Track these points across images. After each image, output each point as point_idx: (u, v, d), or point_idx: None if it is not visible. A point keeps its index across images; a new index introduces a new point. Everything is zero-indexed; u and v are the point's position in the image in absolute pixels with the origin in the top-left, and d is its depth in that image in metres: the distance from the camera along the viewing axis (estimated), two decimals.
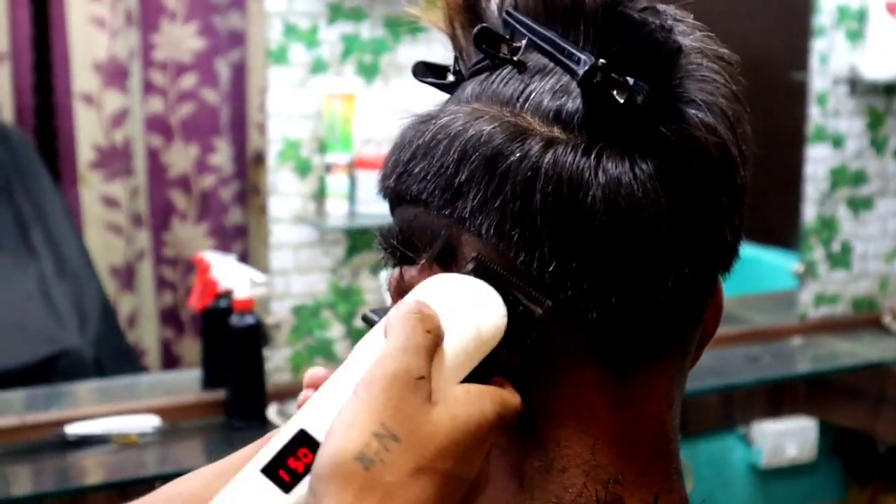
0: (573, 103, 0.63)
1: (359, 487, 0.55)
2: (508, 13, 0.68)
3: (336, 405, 0.58)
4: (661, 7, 0.64)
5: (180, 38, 3.36)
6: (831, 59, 2.95)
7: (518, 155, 0.62)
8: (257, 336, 2.36)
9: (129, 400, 2.43)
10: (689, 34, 0.65)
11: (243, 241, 3.53)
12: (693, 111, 0.62)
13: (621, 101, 0.60)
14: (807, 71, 2.94)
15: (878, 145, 3.06)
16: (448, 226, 0.65)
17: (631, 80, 0.60)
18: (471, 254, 0.64)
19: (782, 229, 3.19)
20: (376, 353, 0.59)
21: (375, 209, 2.52)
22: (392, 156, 0.69)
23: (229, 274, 2.42)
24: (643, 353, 0.65)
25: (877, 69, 3.05)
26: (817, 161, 2.97)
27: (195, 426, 2.35)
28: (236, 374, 2.35)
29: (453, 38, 0.73)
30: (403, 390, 0.57)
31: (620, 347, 0.64)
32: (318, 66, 2.42)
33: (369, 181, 2.51)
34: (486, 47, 0.67)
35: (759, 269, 3.33)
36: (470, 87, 0.68)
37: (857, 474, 3.25)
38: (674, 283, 0.63)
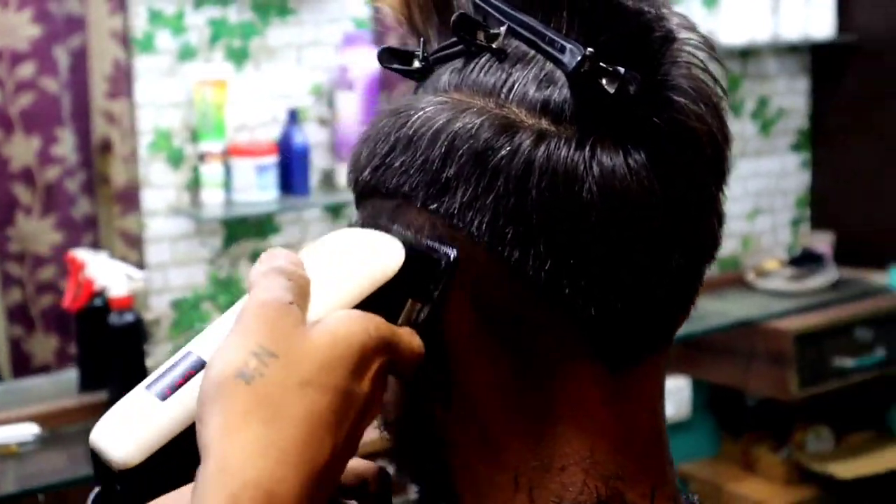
0: (560, 93, 0.61)
1: (243, 402, 0.55)
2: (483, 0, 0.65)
3: (220, 333, 0.60)
4: None
5: (15, 26, 3.22)
6: None
7: (509, 149, 0.60)
8: (137, 333, 2.30)
9: (3, 409, 2.34)
10: (674, 21, 0.64)
11: (93, 232, 3.43)
12: (682, 99, 0.61)
13: (611, 91, 0.59)
14: None
15: (735, 108, 3.15)
16: (432, 220, 0.63)
17: (621, 70, 0.59)
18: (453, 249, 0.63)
19: None
20: None
21: (252, 197, 2.48)
22: (364, 148, 0.66)
23: (104, 271, 2.34)
24: (638, 346, 0.64)
25: (732, 35, 3.13)
26: None
27: (77, 431, 2.28)
28: (117, 373, 2.29)
29: (409, 22, 0.70)
30: (274, 313, 0.58)
31: (617, 343, 0.63)
32: (186, 53, 2.35)
33: (245, 168, 2.46)
34: (463, 34, 0.64)
35: None
36: (446, 76, 0.65)
37: (730, 429, 3.36)
38: (669, 273, 0.62)
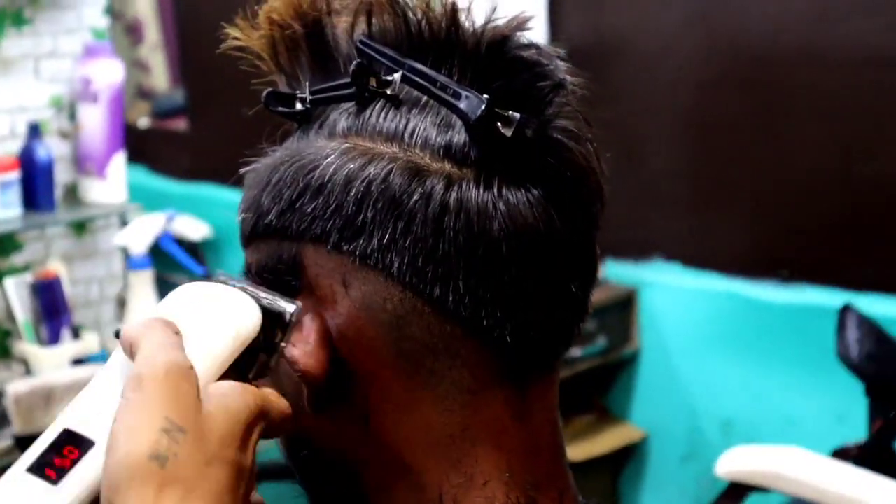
0: (459, 136, 0.66)
1: (158, 486, 0.56)
2: (365, 43, 0.69)
3: (101, 405, 0.59)
4: (542, 45, 0.69)
5: None
6: None
7: (422, 193, 0.65)
8: None
9: None
10: (562, 69, 0.70)
11: None
12: (569, 141, 0.68)
13: (508, 134, 0.65)
14: None
15: None
16: (340, 261, 0.66)
17: (517, 115, 0.65)
18: (361, 288, 0.66)
19: None
20: (130, 363, 0.61)
21: None
22: (266, 193, 0.69)
23: None
24: (543, 365, 0.70)
25: None
26: None
27: None
28: None
29: (275, 61, 0.72)
30: (178, 381, 0.59)
31: (526, 364, 0.69)
32: None
33: None
34: (360, 81, 0.68)
35: None
36: (343, 121, 0.69)
37: None
38: (570, 297, 0.69)
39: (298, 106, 0.71)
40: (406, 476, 0.68)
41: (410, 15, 0.68)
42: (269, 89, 0.72)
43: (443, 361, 0.66)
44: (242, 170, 0.73)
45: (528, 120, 0.65)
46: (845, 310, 2.41)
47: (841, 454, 2.31)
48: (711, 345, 3.06)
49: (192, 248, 3.33)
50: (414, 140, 0.66)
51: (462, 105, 0.65)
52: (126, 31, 4.03)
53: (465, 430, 0.67)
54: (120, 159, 2.66)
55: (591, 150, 0.69)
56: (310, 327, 0.67)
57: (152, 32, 4.15)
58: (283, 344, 0.66)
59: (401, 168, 0.65)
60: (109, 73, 2.61)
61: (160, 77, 4.19)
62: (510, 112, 0.65)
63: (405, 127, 0.67)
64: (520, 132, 0.65)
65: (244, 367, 0.65)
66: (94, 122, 2.61)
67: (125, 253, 2.64)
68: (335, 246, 0.66)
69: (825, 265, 2.87)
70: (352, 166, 0.66)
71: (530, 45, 0.67)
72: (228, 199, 3.96)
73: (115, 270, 2.72)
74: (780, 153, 2.93)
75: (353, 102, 0.69)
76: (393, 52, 0.68)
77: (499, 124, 0.65)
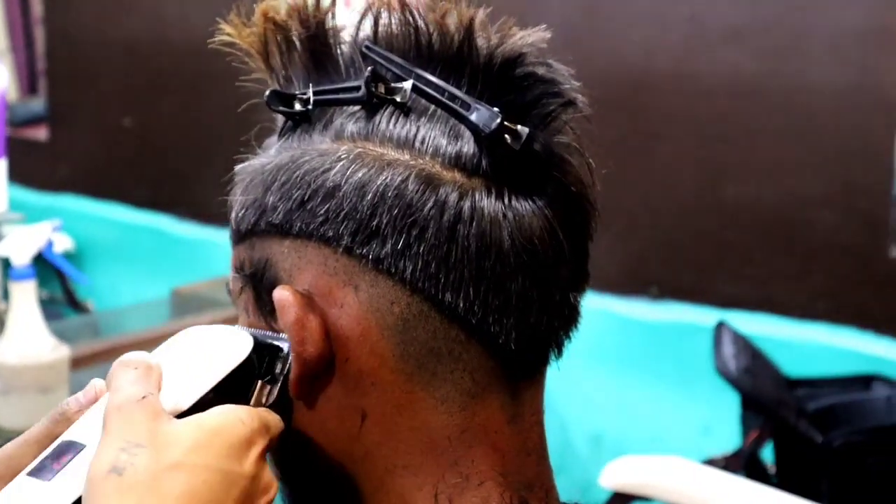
0: (468, 147, 0.68)
1: (116, 491, 0.60)
2: (371, 48, 0.70)
3: (96, 420, 0.66)
4: (553, 63, 0.70)
5: None
6: None
7: (436, 202, 0.66)
8: None
9: None
10: (574, 87, 0.71)
11: None
12: (572, 156, 0.71)
13: (516, 148, 0.67)
14: None
15: None
16: (349, 263, 0.68)
17: (525, 130, 0.67)
18: (369, 290, 0.68)
19: None
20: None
21: None
22: (271, 192, 0.70)
23: None
24: (536, 370, 0.73)
25: None
26: None
27: None
28: None
29: (266, 61, 0.73)
30: (132, 411, 0.63)
31: (522, 369, 0.71)
32: None
33: None
34: (377, 90, 0.69)
35: None
36: (351, 125, 0.69)
37: None
38: (569, 304, 0.72)
39: (298, 106, 0.72)
40: (401, 475, 0.69)
41: (421, 25, 0.70)
42: (273, 88, 0.73)
43: (445, 365, 0.68)
44: (237, 167, 0.74)
45: (535, 134, 0.67)
46: (720, 327, 2.51)
47: (710, 465, 2.40)
48: (582, 360, 3.14)
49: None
50: (424, 148, 0.68)
51: (473, 117, 0.67)
52: None
53: (464, 433, 0.69)
54: (1, 167, 2.58)
55: (591, 167, 0.72)
56: (312, 319, 0.68)
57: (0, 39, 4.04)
58: (280, 375, 0.69)
59: (415, 176, 0.67)
60: None
61: (9, 85, 4.07)
62: (519, 126, 0.67)
63: (415, 135, 0.68)
64: (528, 145, 0.67)
65: (245, 394, 0.68)
66: None
67: (5, 264, 2.55)
68: (347, 249, 0.67)
69: (694, 284, 2.98)
70: (365, 171, 0.67)
71: (543, 62, 0.69)
72: (91, 212, 3.89)
73: None
74: (651, 174, 3.03)
75: (359, 106, 0.70)
76: (399, 59, 0.69)
77: (507, 137, 0.67)
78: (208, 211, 3.52)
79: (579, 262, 0.72)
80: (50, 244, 2.73)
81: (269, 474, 0.65)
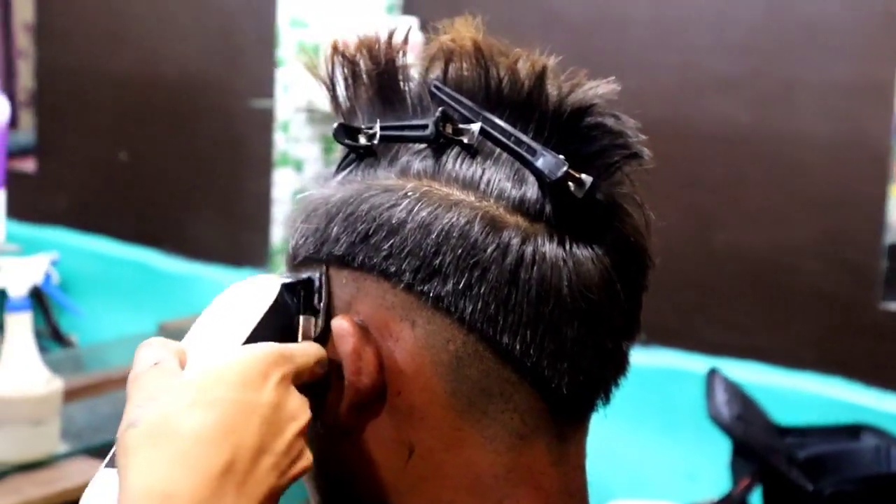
0: (532, 192, 0.68)
1: (133, 440, 0.62)
2: (439, 88, 0.71)
3: None
4: (621, 115, 0.71)
5: None
6: (292, 89, 3.12)
7: (499, 245, 0.67)
8: None
9: None
10: (640, 140, 0.72)
11: None
12: (633, 208, 0.72)
13: (579, 196, 0.68)
14: (272, 99, 3.10)
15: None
16: (408, 299, 0.68)
17: (589, 179, 0.68)
18: (426, 326, 0.69)
19: (254, 249, 3.31)
20: None
21: None
22: (336, 223, 0.71)
23: None
24: (583, 413, 0.74)
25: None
26: (282, 184, 3.14)
27: None
28: None
29: (332, 94, 0.74)
30: (145, 376, 0.66)
31: (570, 412, 0.72)
32: None
33: None
34: (445, 130, 0.70)
35: (201, 287, 3.42)
36: (417, 163, 0.70)
37: None
38: (621, 353, 0.73)
39: (363, 140, 0.72)
40: None
41: (492, 69, 0.71)
42: (340, 122, 0.74)
43: (496, 405, 0.69)
44: (298, 196, 0.75)
45: (598, 184, 0.68)
46: (713, 374, 2.52)
47: None
48: None
49: (37, 294, 3.22)
50: (489, 191, 0.69)
51: (539, 163, 0.68)
52: None
53: (510, 472, 0.70)
54: (0, 198, 2.57)
55: (650, 218, 0.73)
56: (368, 351, 0.69)
57: None
58: (320, 305, 0.71)
59: (480, 218, 0.68)
60: None
61: None
62: (583, 175, 0.68)
63: (481, 177, 0.69)
64: (591, 194, 0.68)
65: (290, 333, 0.71)
66: None
67: (2, 295, 2.54)
68: (408, 285, 0.68)
69: (681, 330, 2.99)
70: (430, 210, 0.68)
71: (612, 114, 0.70)
72: (77, 244, 3.87)
73: None
74: None
75: (425, 145, 0.71)
76: (468, 101, 0.70)
77: (571, 184, 0.68)
78: (196, 246, 3.52)
79: (633, 312, 0.73)
80: (48, 276, 2.72)
81: (296, 402, 0.66)
